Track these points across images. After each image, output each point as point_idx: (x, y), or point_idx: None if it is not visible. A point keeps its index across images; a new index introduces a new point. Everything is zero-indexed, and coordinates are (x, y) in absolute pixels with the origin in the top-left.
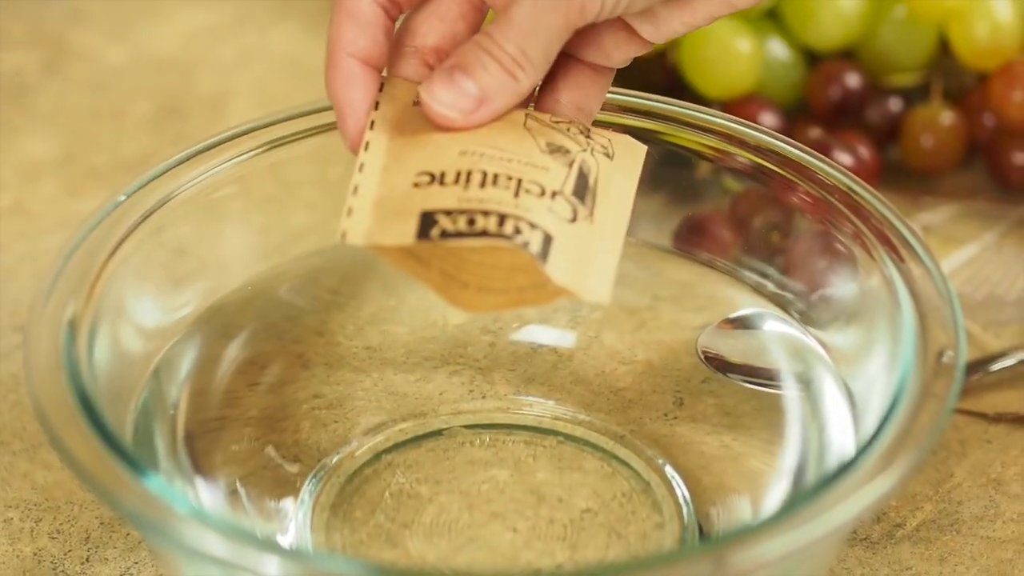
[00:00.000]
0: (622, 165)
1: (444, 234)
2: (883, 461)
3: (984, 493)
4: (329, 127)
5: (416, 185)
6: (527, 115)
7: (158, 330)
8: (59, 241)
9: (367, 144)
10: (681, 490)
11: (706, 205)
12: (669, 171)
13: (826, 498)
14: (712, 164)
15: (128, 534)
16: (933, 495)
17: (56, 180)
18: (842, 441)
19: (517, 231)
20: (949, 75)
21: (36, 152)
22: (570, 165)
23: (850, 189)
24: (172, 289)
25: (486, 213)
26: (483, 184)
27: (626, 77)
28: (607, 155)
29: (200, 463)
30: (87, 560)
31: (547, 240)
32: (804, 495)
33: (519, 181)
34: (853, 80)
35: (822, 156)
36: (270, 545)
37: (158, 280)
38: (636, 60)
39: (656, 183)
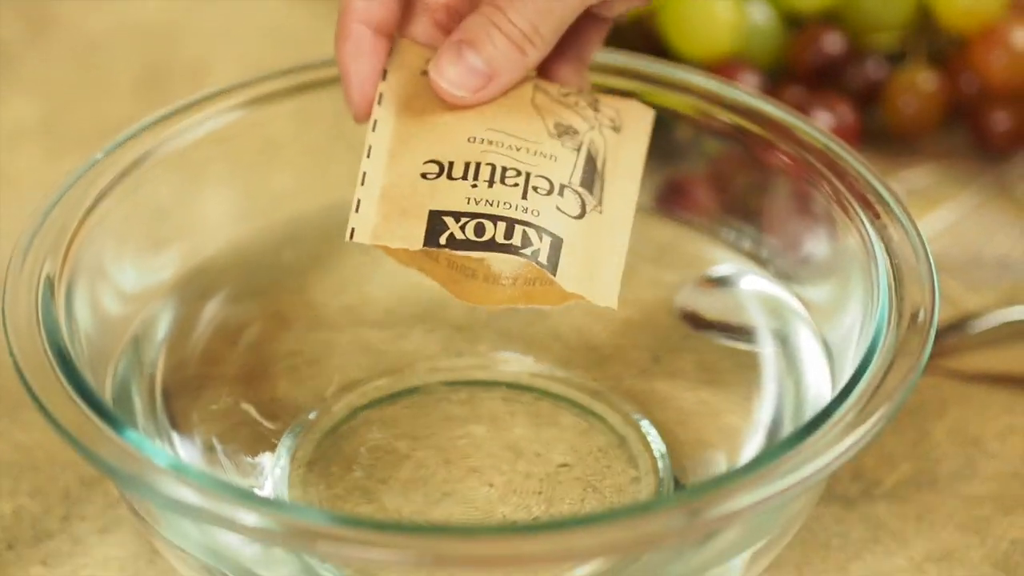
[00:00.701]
0: (630, 136)
1: (452, 241)
2: (855, 415)
3: (962, 452)
4: (312, 85)
5: (424, 176)
6: (535, 87)
7: (137, 291)
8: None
9: (375, 123)
10: (657, 445)
11: (686, 166)
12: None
13: (798, 450)
14: (692, 124)
15: (107, 492)
16: (910, 454)
17: (38, 146)
18: (819, 396)
19: (526, 241)
20: (930, 38)
21: (18, 118)
22: (578, 149)
23: (829, 149)
24: (151, 249)
25: (495, 220)
26: (491, 181)
27: (606, 40)
28: (614, 128)
29: (178, 421)
30: (66, 518)
31: (556, 246)
32: (777, 447)
33: (527, 177)
34: (834, 43)
35: (802, 115)
36: (247, 496)
37: (137, 240)
38: (616, 23)
39: None
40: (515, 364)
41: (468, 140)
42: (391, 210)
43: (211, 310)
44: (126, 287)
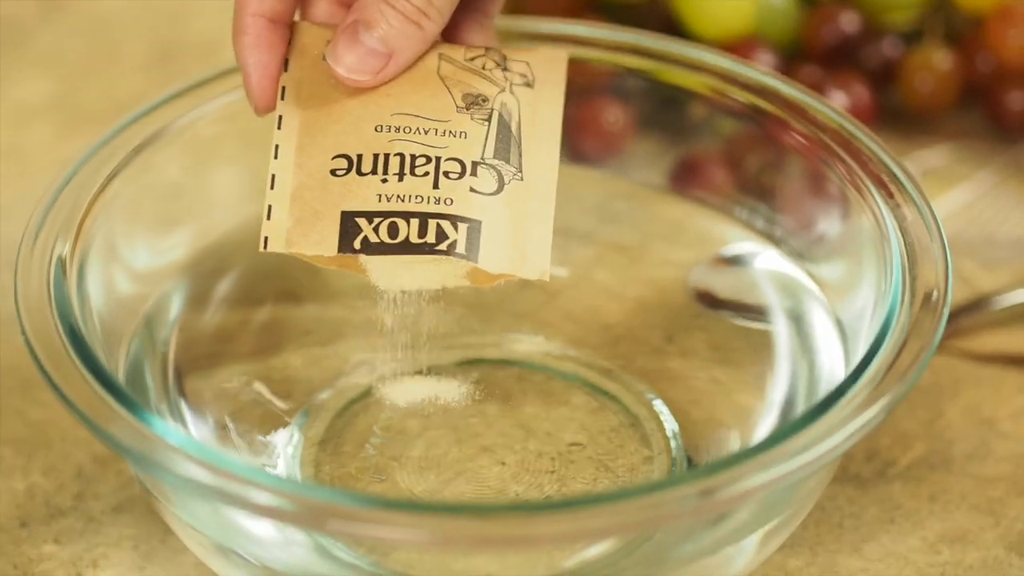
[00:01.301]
0: (544, 89)
1: (366, 245)
2: (868, 395)
3: (976, 432)
4: None
5: (334, 173)
6: (440, 56)
7: (149, 270)
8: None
9: (279, 120)
10: (670, 424)
11: (701, 144)
12: (664, 111)
13: (811, 430)
14: (707, 103)
15: (120, 471)
16: (924, 434)
17: (50, 122)
18: (832, 376)
19: (441, 235)
20: (946, 16)
21: (31, 95)
22: (488, 119)
23: (843, 128)
24: (163, 228)
25: (407, 217)
26: (401, 174)
27: (621, 19)
28: (527, 84)
29: (190, 399)
30: (79, 495)
31: (474, 231)
32: (790, 427)
33: (437, 163)
34: (850, 22)
35: (817, 95)
36: (259, 475)
37: (149, 219)
38: (631, 3)
39: (651, 123)
40: (527, 344)
41: (375, 129)
42: (303, 212)
43: (223, 289)
44: (138, 266)
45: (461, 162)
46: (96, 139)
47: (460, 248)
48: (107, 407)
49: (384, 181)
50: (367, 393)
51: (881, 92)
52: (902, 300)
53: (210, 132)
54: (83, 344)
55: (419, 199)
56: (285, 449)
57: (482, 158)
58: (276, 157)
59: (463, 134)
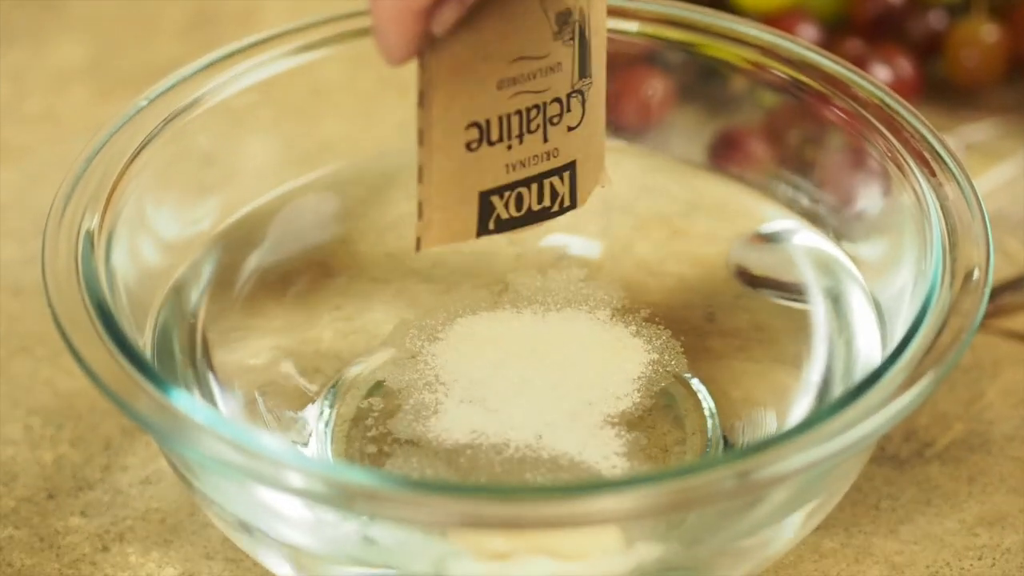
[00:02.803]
0: None
1: (499, 223)
2: (907, 376)
3: (1016, 413)
4: (360, 32)
5: (468, 147)
6: None
7: (180, 240)
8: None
9: (421, 96)
10: (707, 403)
11: (741, 118)
12: (704, 84)
13: (849, 412)
14: (747, 76)
15: (148, 443)
16: (964, 415)
17: (86, 86)
18: (870, 356)
19: (554, 194)
20: None
21: (67, 58)
22: (574, 34)
23: (885, 104)
24: (195, 198)
25: (528, 183)
26: (521, 135)
27: None
28: None
29: (219, 373)
30: (107, 467)
31: (572, 175)
32: (828, 408)
33: (543, 110)
34: None
35: (859, 70)
36: (287, 455)
37: (180, 188)
38: None
39: (691, 95)
40: (564, 318)
41: (498, 87)
42: (447, 200)
43: (254, 260)
44: (169, 236)
45: (559, 100)
46: (130, 105)
47: (566, 201)
48: (134, 382)
49: (509, 148)
50: (398, 366)
51: (926, 65)
52: (942, 279)
53: (245, 101)
54: (111, 318)
55: (535, 159)
56: (316, 425)
57: (572, 87)
58: (421, 144)
59: (559, 66)
